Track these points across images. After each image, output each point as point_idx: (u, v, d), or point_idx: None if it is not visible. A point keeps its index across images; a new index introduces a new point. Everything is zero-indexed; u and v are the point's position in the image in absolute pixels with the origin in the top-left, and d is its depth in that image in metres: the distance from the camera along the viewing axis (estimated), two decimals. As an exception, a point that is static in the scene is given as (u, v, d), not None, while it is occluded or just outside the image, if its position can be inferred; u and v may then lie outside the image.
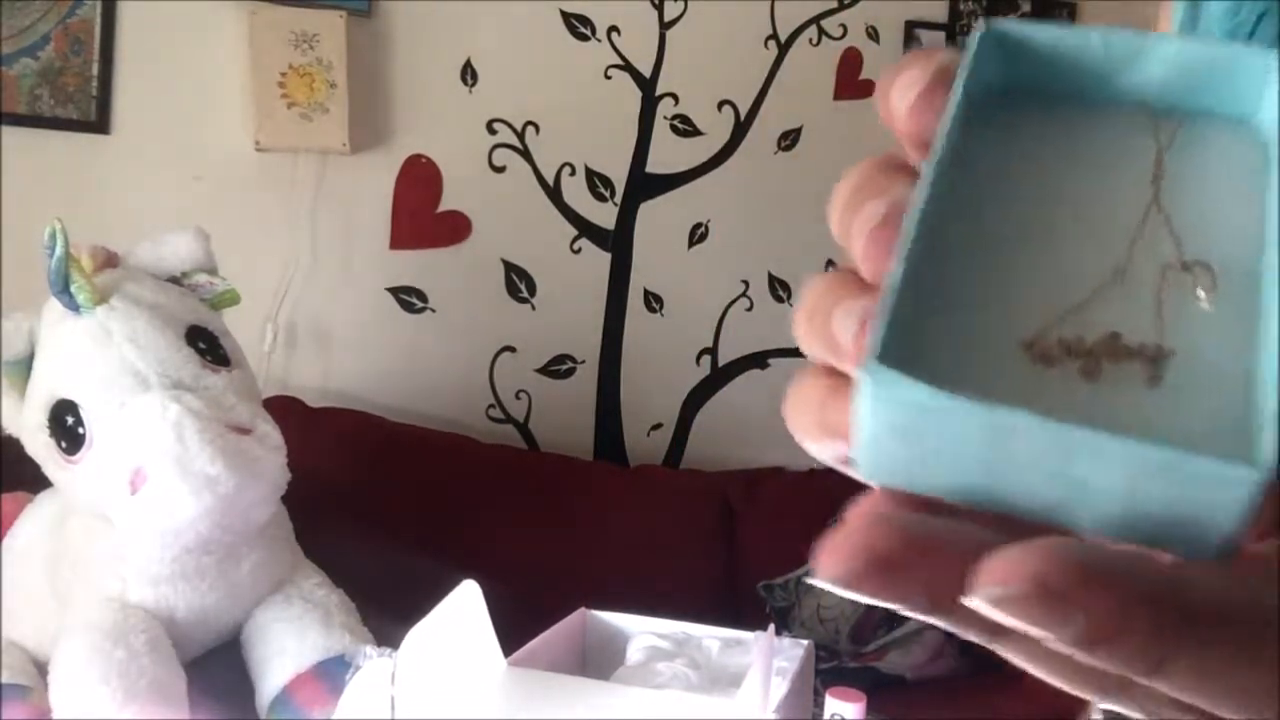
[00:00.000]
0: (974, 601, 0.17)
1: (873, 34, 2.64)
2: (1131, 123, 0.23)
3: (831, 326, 0.21)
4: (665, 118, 2.48)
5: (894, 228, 0.20)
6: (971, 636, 0.20)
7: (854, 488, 0.23)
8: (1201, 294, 0.20)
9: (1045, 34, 0.22)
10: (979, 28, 0.23)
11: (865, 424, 0.19)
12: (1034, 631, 0.17)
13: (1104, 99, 0.23)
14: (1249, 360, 0.19)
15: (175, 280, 1.48)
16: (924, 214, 0.20)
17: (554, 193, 2.44)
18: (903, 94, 0.22)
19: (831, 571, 0.18)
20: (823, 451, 0.22)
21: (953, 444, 0.18)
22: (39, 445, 1.37)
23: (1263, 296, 0.19)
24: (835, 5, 2.59)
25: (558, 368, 2.44)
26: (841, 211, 0.22)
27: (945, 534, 0.18)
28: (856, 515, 0.19)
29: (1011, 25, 0.23)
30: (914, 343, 0.20)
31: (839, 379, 0.21)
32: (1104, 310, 0.20)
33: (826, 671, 1.92)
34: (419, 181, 2.36)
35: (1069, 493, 0.18)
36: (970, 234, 0.21)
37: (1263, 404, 0.18)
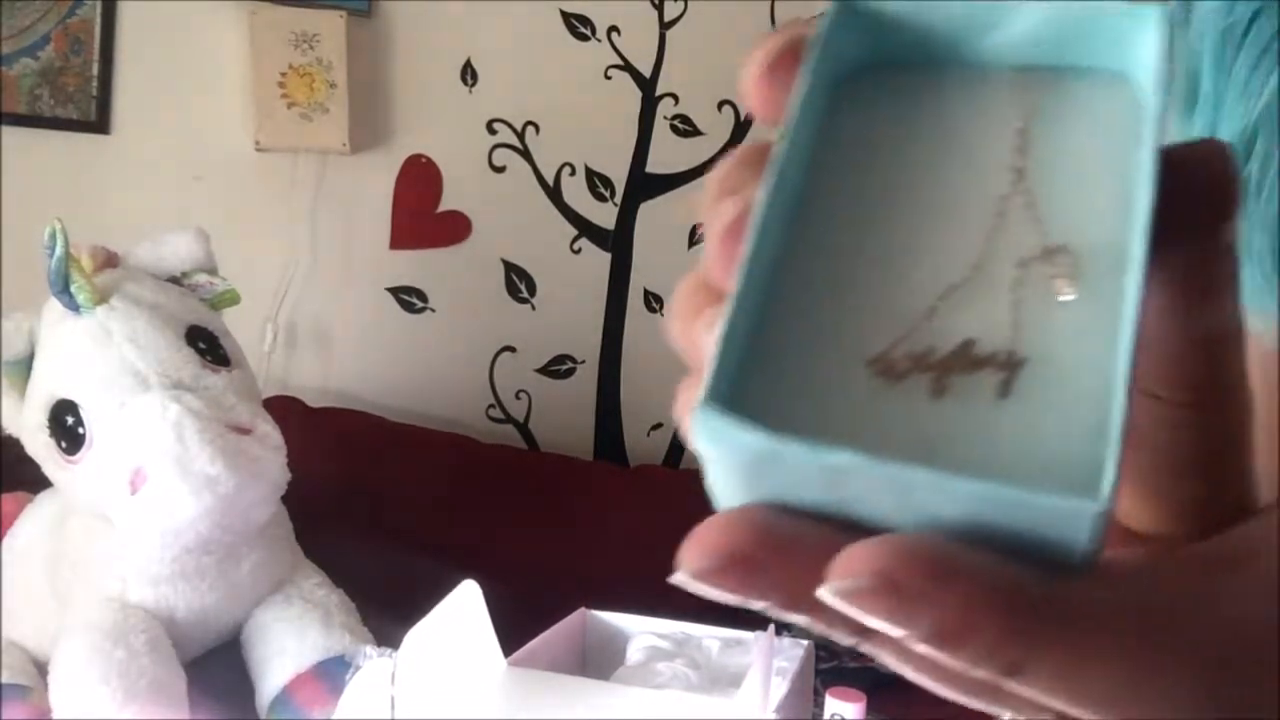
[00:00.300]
0: (824, 595, 0.17)
1: (873, 34, 2.63)
2: (996, 91, 0.21)
3: (695, 338, 0.21)
4: (665, 118, 2.48)
5: (739, 235, 0.20)
6: (838, 637, 0.19)
7: None
8: (1061, 286, 0.19)
9: (903, 3, 0.21)
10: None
11: (707, 463, 0.19)
12: (887, 628, 0.17)
13: (969, 68, 0.21)
14: (1107, 361, 0.18)
15: (175, 280, 1.48)
16: (764, 221, 0.19)
17: (554, 193, 2.44)
18: (749, 70, 0.21)
19: (689, 568, 0.18)
20: None
21: (794, 482, 0.18)
22: (39, 445, 1.37)
23: (1125, 286, 0.18)
24: (835, 5, 2.59)
25: (558, 368, 2.44)
26: (704, 206, 0.22)
27: (806, 534, 0.18)
28: (720, 513, 0.19)
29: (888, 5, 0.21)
30: (753, 372, 0.19)
31: None
32: (958, 314, 0.19)
33: (826, 671, 1.92)
34: (419, 181, 2.36)
35: (919, 518, 0.17)
36: (820, 234, 0.21)
37: (1111, 420, 0.17)
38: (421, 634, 0.84)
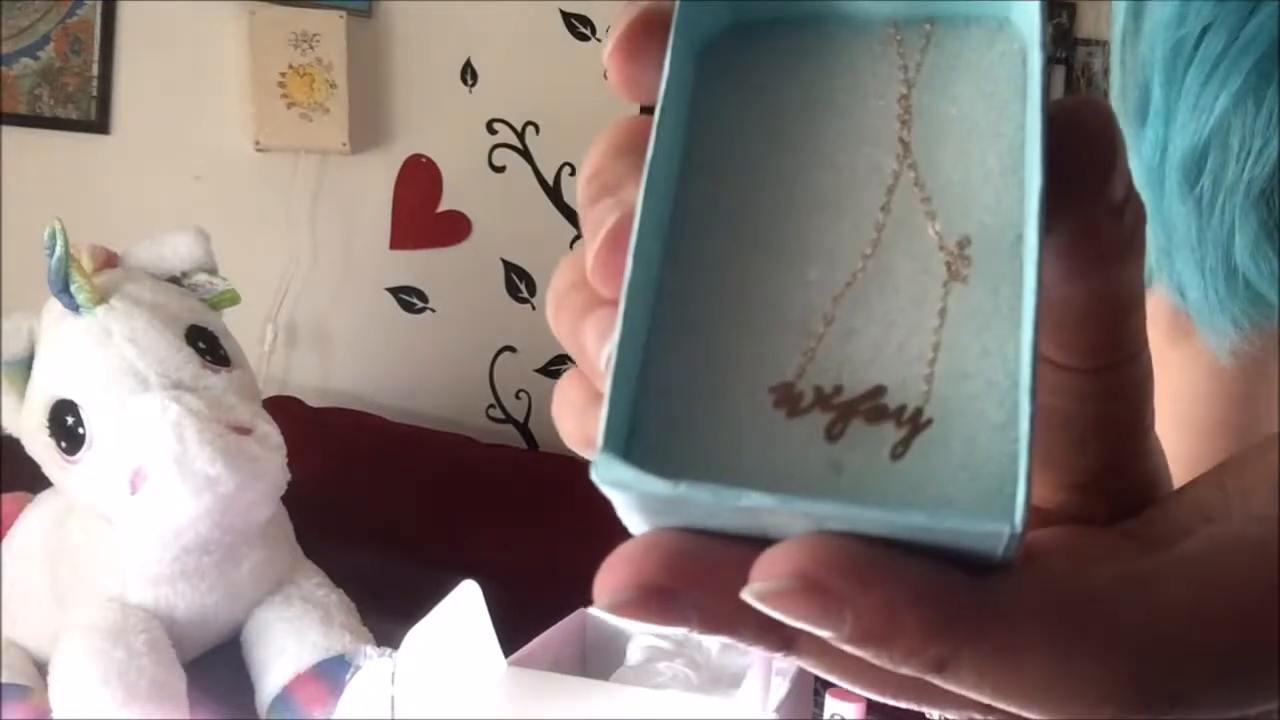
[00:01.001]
0: (748, 598, 0.17)
1: (873, 34, 2.63)
2: (873, 50, 0.20)
3: (582, 339, 0.20)
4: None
5: (621, 245, 0.19)
6: (763, 649, 0.19)
7: None
8: (956, 273, 0.18)
9: None
10: None
11: (617, 504, 0.18)
12: (812, 629, 0.17)
13: (842, 22, 0.20)
14: (1009, 368, 0.17)
15: (175, 280, 1.48)
16: (644, 233, 0.18)
17: (554, 193, 2.44)
18: (607, 48, 0.20)
19: (604, 600, 0.18)
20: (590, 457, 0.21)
21: (702, 515, 0.17)
22: (39, 445, 1.37)
23: (1022, 280, 0.18)
24: (835, 5, 2.59)
25: (558, 368, 2.44)
26: (579, 200, 0.21)
27: (717, 555, 0.18)
28: (628, 544, 0.18)
29: None
30: (649, 403, 0.18)
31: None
32: (862, 334, 0.18)
33: (826, 671, 1.92)
34: (419, 181, 2.36)
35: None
36: (704, 232, 0.19)
37: (1019, 435, 0.17)
38: (421, 634, 0.84)
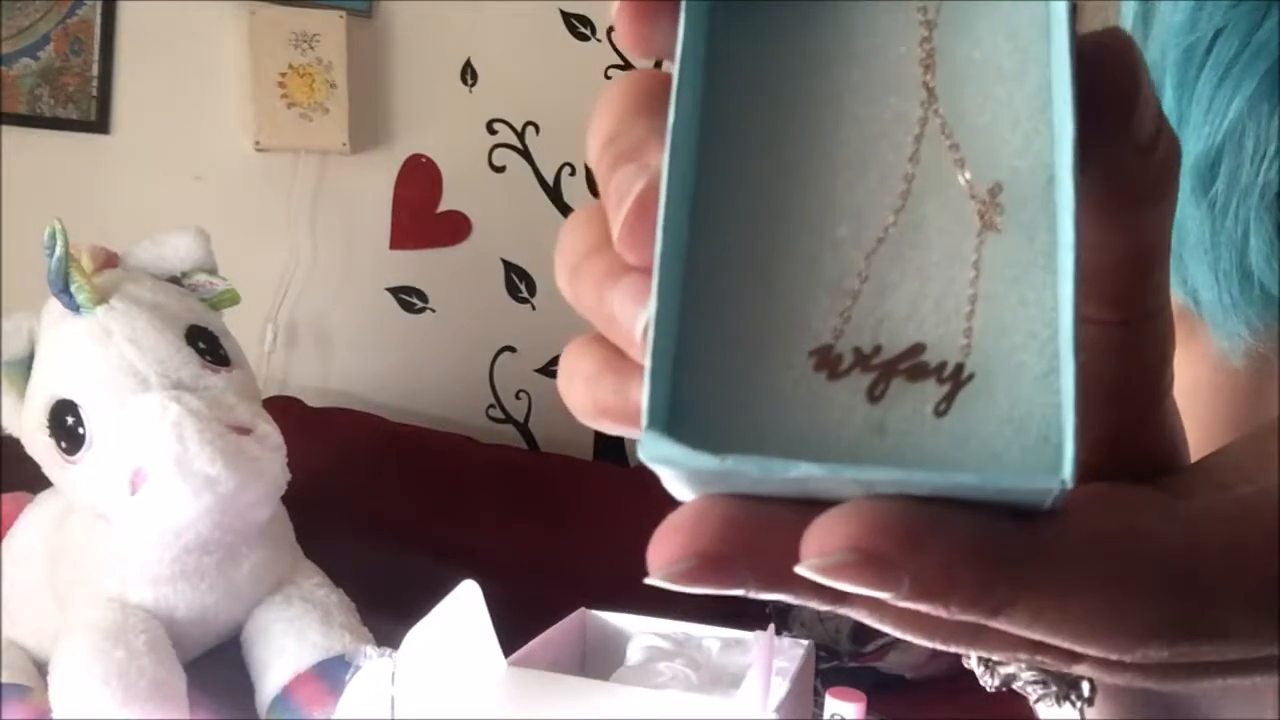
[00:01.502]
0: (803, 572, 0.17)
1: (873, 34, 2.63)
2: None
3: (610, 307, 0.19)
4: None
5: (649, 212, 0.18)
6: (815, 604, 0.19)
7: None
8: (990, 223, 0.18)
9: None
10: None
11: (664, 477, 0.18)
12: (869, 593, 0.17)
13: None
14: (1050, 317, 0.17)
15: (175, 280, 1.48)
16: (672, 201, 0.18)
17: (554, 193, 2.44)
18: (616, 5, 0.20)
19: (659, 572, 0.19)
20: (602, 427, 0.21)
21: (749, 484, 0.17)
22: (39, 445, 1.37)
23: (1057, 227, 0.17)
24: (835, 5, 2.59)
25: (558, 368, 2.44)
26: (595, 165, 0.20)
27: (769, 518, 0.18)
28: (680, 512, 0.19)
29: None
30: (688, 373, 0.18)
31: (610, 351, 0.20)
32: (898, 290, 0.18)
33: (826, 671, 1.92)
34: (419, 181, 2.36)
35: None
36: (730, 191, 0.19)
37: (1063, 397, 0.17)
38: (421, 634, 0.84)
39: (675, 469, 0.18)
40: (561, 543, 2.15)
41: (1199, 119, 0.35)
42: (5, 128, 2.06)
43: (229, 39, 2.18)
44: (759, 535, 0.18)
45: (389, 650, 0.94)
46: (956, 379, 0.17)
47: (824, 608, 0.20)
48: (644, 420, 0.18)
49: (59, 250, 1.29)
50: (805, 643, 0.98)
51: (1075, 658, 0.20)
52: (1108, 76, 0.18)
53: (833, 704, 1.00)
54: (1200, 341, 0.40)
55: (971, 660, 0.26)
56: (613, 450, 2.46)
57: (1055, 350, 0.17)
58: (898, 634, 0.21)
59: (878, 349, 0.18)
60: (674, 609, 1.04)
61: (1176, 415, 0.25)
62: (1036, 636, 0.19)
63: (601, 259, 0.20)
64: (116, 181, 2.15)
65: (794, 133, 0.19)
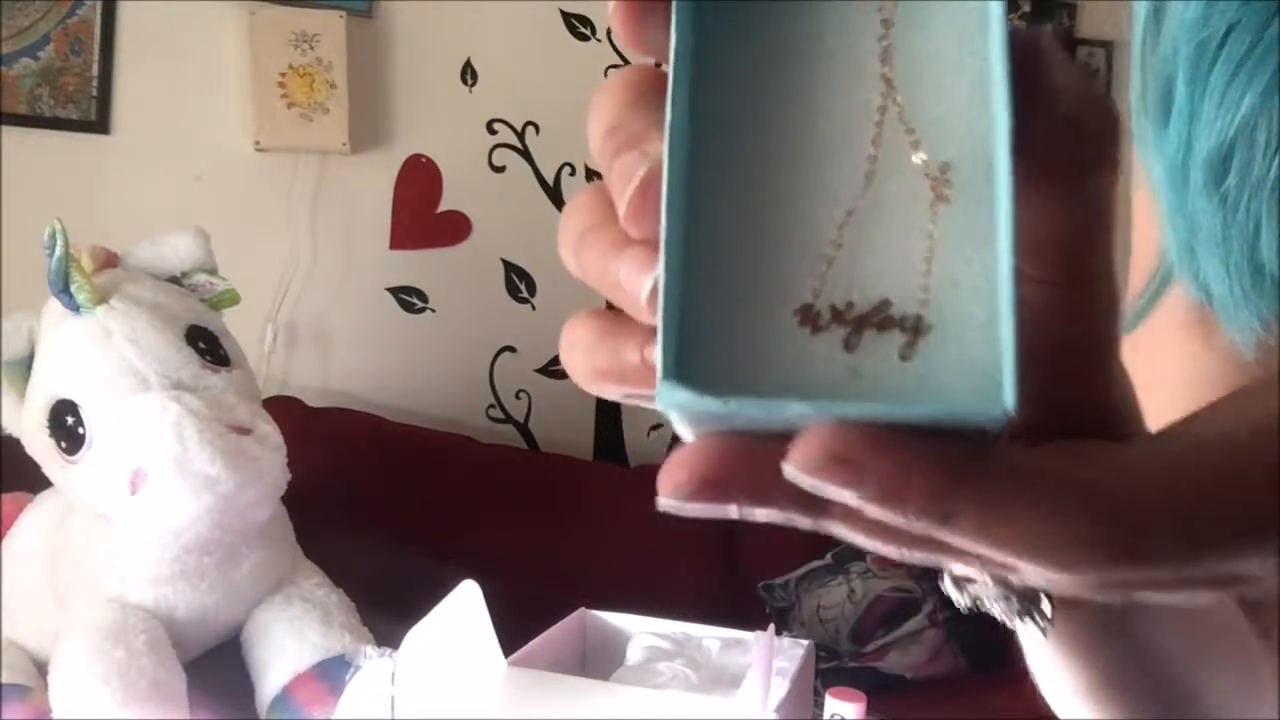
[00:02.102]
0: (788, 471, 0.20)
1: (873, 34, 2.64)
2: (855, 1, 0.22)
3: (615, 275, 0.22)
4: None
5: (654, 196, 0.21)
6: (798, 520, 0.22)
7: None
8: (941, 196, 0.21)
9: None
10: None
11: (673, 419, 0.22)
12: (838, 494, 0.20)
13: None
14: (992, 277, 0.21)
15: (175, 280, 1.48)
16: (673, 181, 0.21)
17: (554, 193, 2.44)
18: (614, 6, 0.22)
19: (670, 496, 0.21)
20: (601, 392, 0.24)
21: (745, 423, 0.21)
22: (39, 445, 1.37)
23: (997, 199, 0.20)
24: (835, 5, 2.59)
25: (558, 368, 2.44)
26: (598, 154, 0.23)
27: (756, 449, 0.21)
28: (685, 448, 0.22)
29: None
30: (693, 330, 0.21)
31: (606, 322, 0.23)
32: (861, 245, 0.21)
33: (826, 671, 1.92)
34: (419, 181, 2.36)
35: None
36: (719, 171, 0.22)
37: (1003, 339, 0.20)
38: (421, 634, 0.84)
39: (685, 412, 0.21)
40: (561, 543, 2.15)
41: (1211, 114, 0.35)
42: (5, 128, 2.06)
43: (229, 39, 2.18)
44: (749, 461, 0.21)
45: (389, 650, 0.94)
46: (917, 329, 0.21)
47: (804, 522, 0.23)
48: (659, 371, 0.21)
49: (59, 250, 1.29)
50: (805, 643, 0.98)
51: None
52: (1026, 69, 0.21)
53: (833, 704, 1.00)
54: (1211, 333, 0.40)
55: (946, 582, 0.29)
56: (613, 450, 2.46)
57: (996, 301, 0.20)
58: (868, 545, 0.23)
59: (851, 306, 0.21)
60: (674, 609, 1.04)
61: (1127, 380, 0.28)
62: (983, 550, 0.21)
63: (605, 233, 0.23)
64: (116, 181, 2.15)
65: (774, 122, 0.22)
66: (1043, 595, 0.30)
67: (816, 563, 2.18)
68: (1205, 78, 0.35)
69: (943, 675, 2.08)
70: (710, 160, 0.22)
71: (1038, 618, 0.31)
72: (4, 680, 1.36)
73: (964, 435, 0.20)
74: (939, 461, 0.20)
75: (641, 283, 0.22)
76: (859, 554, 2.17)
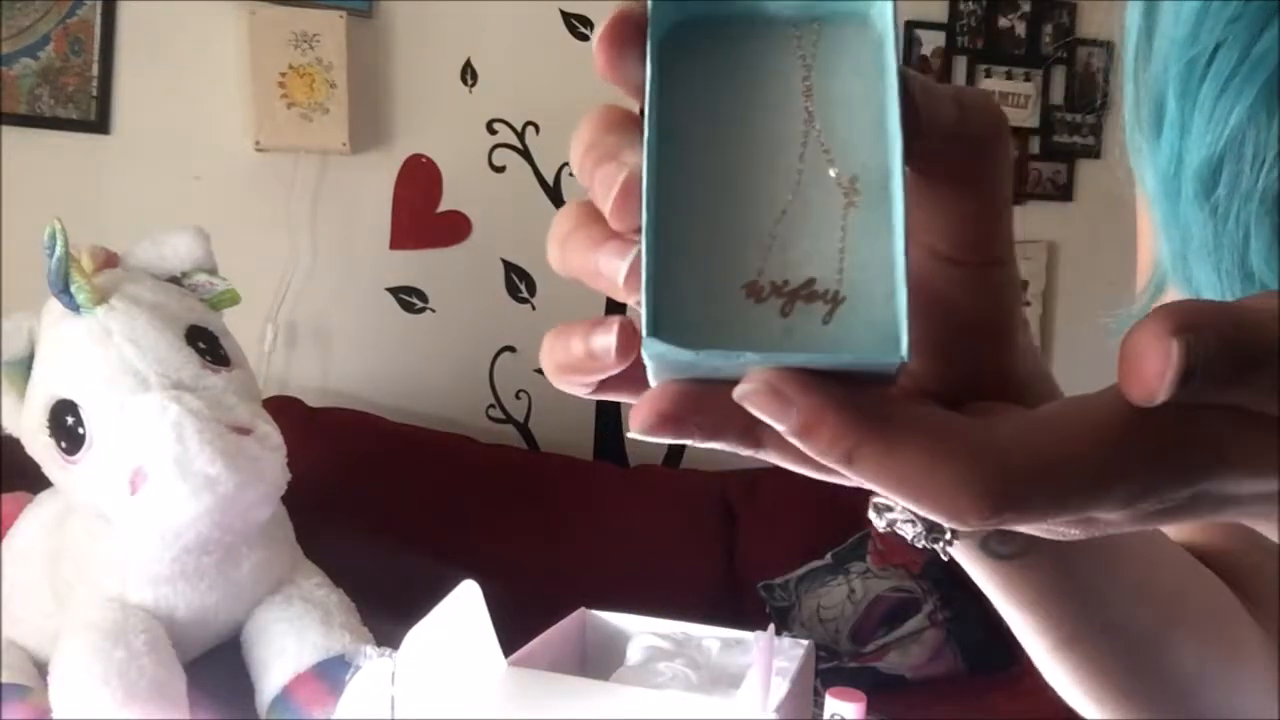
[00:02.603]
0: (737, 394, 0.25)
1: (873, 34, 2.64)
2: (784, 43, 0.29)
3: (596, 264, 0.28)
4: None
5: (632, 195, 0.27)
6: (740, 448, 0.28)
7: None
8: (852, 200, 0.27)
9: None
10: None
11: (651, 368, 0.27)
12: (769, 420, 0.25)
13: (761, 22, 0.29)
14: (890, 259, 0.26)
15: (175, 280, 1.48)
16: (650, 184, 0.27)
17: (554, 193, 2.44)
18: (596, 43, 0.28)
19: (635, 427, 0.27)
20: (567, 386, 0.30)
21: (709, 370, 0.27)
22: (39, 445, 1.37)
23: (892, 197, 0.27)
24: (835, 5, 2.59)
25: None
26: (579, 167, 0.29)
27: (707, 391, 0.27)
28: (653, 389, 0.27)
29: None
30: (665, 298, 0.27)
31: (562, 326, 0.29)
32: (793, 234, 0.27)
33: (826, 671, 1.92)
34: (419, 181, 2.36)
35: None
36: (687, 179, 0.28)
37: (899, 306, 0.26)
38: (421, 634, 0.84)
39: (661, 362, 0.27)
40: (561, 543, 2.15)
41: (1201, 128, 0.37)
42: (5, 128, 2.06)
43: (229, 39, 2.18)
44: (701, 401, 0.27)
45: (389, 650, 0.94)
46: (835, 300, 0.27)
47: (745, 450, 0.28)
48: (644, 330, 0.26)
49: (59, 250, 1.29)
50: (805, 643, 0.98)
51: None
52: (910, 100, 0.27)
53: (833, 704, 1.00)
54: None
55: (870, 510, 0.35)
56: (613, 450, 2.46)
57: (894, 278, 0.26)
58: (797, 469, 0.29)
59: (786, 283, 0.27)
60: (674, 609, 1.04)
61: (1034, 353, 0.33)
62: (879, 486, 0.25)
63: (585, 232, 0.28)
64: (116, 181, 2.16)
65: (724, 140, 0.28)
66: (946, 527, 0.34)
67: (816, 563, 2.18)
68: (1195, 93, 0.37)
69: (943, 675, 2.08)
70: (675, 168, 0.28)
71: (942, 545, 0.35)
72: (4, 680, 1.36)
73: (877, 385, 0.26)
74: (849, 406, 0.25)
75: (618, 267, 0.28)
76: (859, 554, 2.17)
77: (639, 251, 0.27)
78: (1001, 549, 0.39)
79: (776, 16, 0.29)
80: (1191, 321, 0.23)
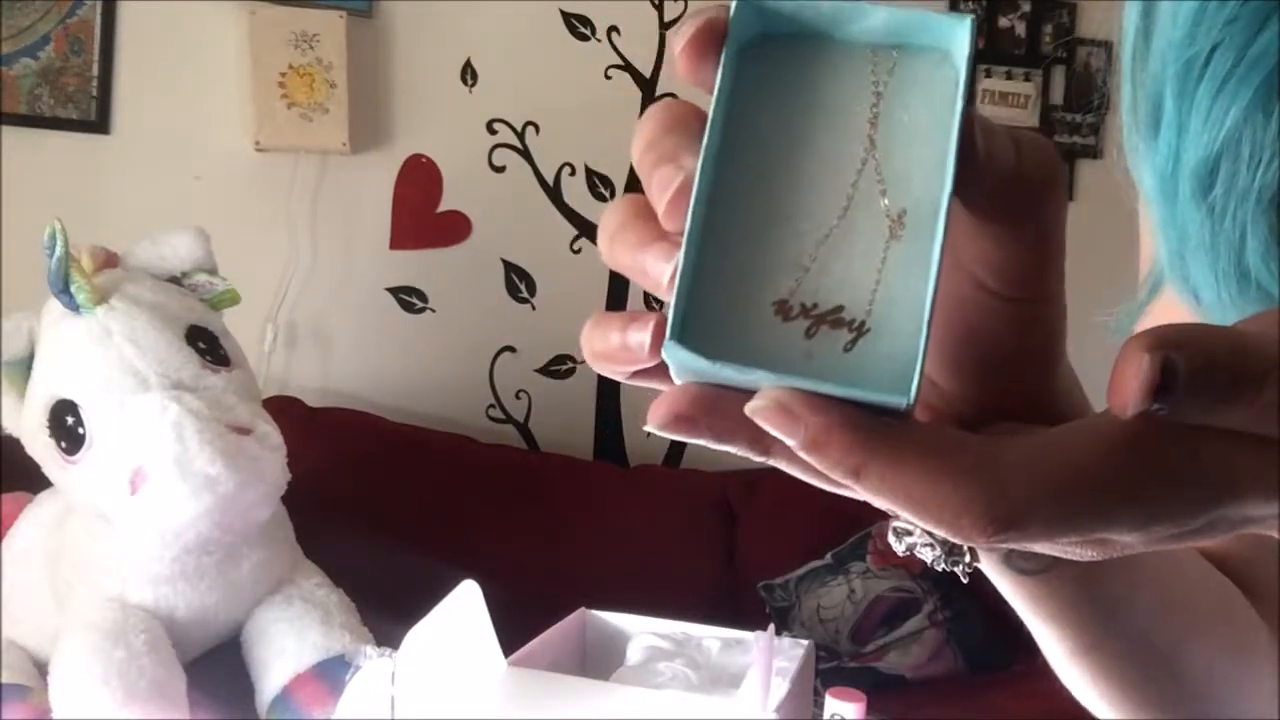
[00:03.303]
0: (747, 411, 0.26)
1: (873, 34, 2.64)
2: (857, 67, 0.29)
3: (644, 262, 0.29)
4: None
5: (684, 199, 0.28)
6: (750, 453, 0.28)
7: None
8: (895, 233, 0.28)
9: (788, 2, 0.29)
10: None
11: (674, 371, 0.28)
12: (780, 435, 0.26)
13: (839, 44, 0.29)
14: (920, 298, 0.27)
15: (175, 280, 1.48)
16: (699, 194, 0.28)
17: (554, 193, 2.44)
18: (677, 47, 0.29)
19: (652, 424, 0.27)
20: (606, 371, 0.30)
21: (725, 380, 0.27)
22: (39, 445, 1.37)
23: (935, 239, 0.27)
24: (835, 5, 2.59)
25: (558, 368, 2.44)
26: (638, 163, 0.29)
27: (723, 396, 0.27)
28: (671, 389, 0.28)
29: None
30: (697, 306, 0.28)
31: (599, 315, 0.30)
32: (832, 261, 0.28)
33: (826, 671, 1.92)
34: (419, 181, 2.36)
35: None
36: (739, 190, 0.28)
37: (918, 348, 0.26)
38: (421, 634, 0.84)
39: (682, 366, 0.27)
40: (561, 543, 2.15)
41: (1198, 127, 0.38)
42: (5, 128, 2.06)
43: (229, 39, 2.18)
44: (715, 405, 0.27)
45: (389, 650, 0.94)
46: (860, 330, 0.27)
47: (756, 456, 0.28)
48: (668, 333, 0.27)
49: (59, 250, 1.29)
50: (805, 643, 0.98)
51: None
52: (970, 140, 0.27)
53: (833, 704, 1.00)
54: None
55: (890, 536, 0.34)
56: (613, 450, 2.46)
57: (920, 318, 0.26)
58: (804, 478, 0.29)
59: (815, 305, 0.27)
60: (674, 609, 1.04)
61: (1072, 379, 0.34)
62: (886, 504, 0.26)
63: (635, 231, 0.29)
64: (116, 181, 2.16)
65: (781, 156, 0.29)
66: (965, 548, 0.35)
67: (816, 563, 2.18)
68: (1192, 94, 0.38)
69: (943, 675, 2.08)
70: (729, 178, 0.28)
71: (963, 568, 0.35)
72: (4, 680, 1.36)
73: (887, 412, 0.26)
74: (857, 425, 0.25)
75: (663, 270, 0.28)
76: (859, 554, 2.17)
77: (675, 285, 0.27)
78: (1025, 565, 0.39)
79: (856, 39, 0.29)
80: (1176, 339, 0.23)
